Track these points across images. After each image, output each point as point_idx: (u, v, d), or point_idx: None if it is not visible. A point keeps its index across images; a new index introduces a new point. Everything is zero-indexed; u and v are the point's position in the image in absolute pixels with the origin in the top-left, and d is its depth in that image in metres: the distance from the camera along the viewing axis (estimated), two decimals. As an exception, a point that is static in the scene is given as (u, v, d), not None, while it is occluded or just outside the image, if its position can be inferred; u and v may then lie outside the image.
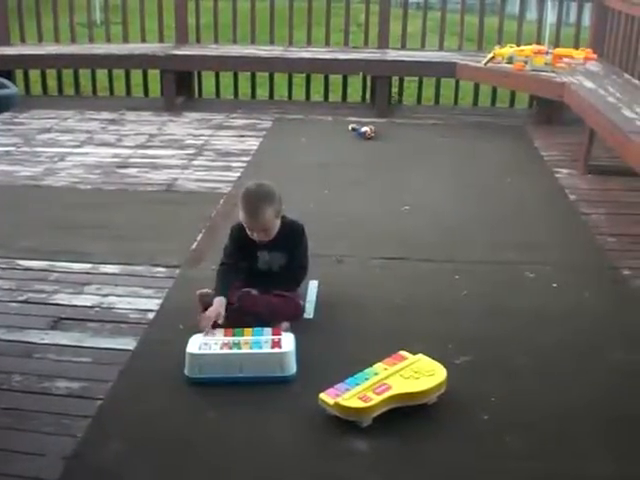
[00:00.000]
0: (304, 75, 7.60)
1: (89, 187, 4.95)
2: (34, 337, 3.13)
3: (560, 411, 2.66)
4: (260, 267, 3.24)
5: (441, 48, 7.45)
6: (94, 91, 7.82)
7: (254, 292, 3.13)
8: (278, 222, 3.17)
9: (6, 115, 6.26)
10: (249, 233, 3.17)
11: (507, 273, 3.72)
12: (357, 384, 2.61)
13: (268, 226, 3.14)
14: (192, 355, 2.80)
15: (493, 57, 6.53)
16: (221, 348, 2.83)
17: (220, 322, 3.01)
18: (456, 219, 4.40)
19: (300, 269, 3.29)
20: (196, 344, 2.85)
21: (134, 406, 2.69)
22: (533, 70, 6.25)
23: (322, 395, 2.57)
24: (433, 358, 2.77)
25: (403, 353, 2.80)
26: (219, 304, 3.05)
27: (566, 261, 3.88)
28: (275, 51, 7.36)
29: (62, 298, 3.46)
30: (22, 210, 4.54)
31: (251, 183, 3.25)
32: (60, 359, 2.99)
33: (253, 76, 7.62)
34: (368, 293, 3.50)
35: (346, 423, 2.52)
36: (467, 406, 2.66)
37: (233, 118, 6.78)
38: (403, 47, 7.53)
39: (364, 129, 6.10)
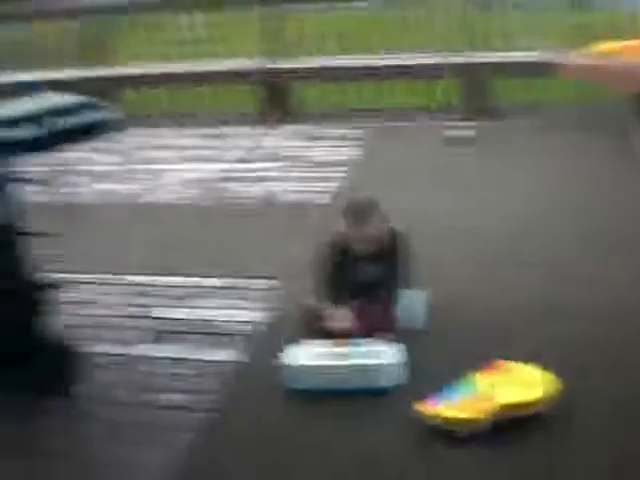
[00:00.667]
0: (395, 82, 7.56)
1: (188, 202, 5.06)
2: (138, 350, 3.21)
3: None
4: (361, 279, 3.23)
5: (537, 48, 7.27)
6: (192, 107, 7.98)
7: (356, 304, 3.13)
8: (380, 233, 3.16)
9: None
10: (352, 244, 3.16)
11: (620, 280, 3.58)
12: (458, 394, 2.57)
13: (371, 237, 3.13)
14: (292, 367, 2.81)
15: (592, 54, 6.33)
16: (322, 359, 2.83)
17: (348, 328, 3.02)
18: (557, 221, 4.29)
19: (403, 279, 3.25)
20: (298, 355, 2.86)
21: (237, 418, 2.73)
22: (633, 66, 6.03)
23: (423, 406, 2.54)
24: (541, 365, 2.69)
25: (508, 362, 2.73)
26: (344, 313, 3.06)
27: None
28: (369, 59, 7.34)
29: (165, 312, 3.55)
30: (125, 227, 4.68)
31: (355, 195, 3.27)
32: (164, 372, 3.06)
33: (347, 85, 7.63)
34: (473, 300, 3.44)
35: (446, 434, 2.48)
36: (575, 416, 2.56)
37: (328, 128, 6.80)
38: (501, 48, 7.37)
39: (460, 134, 6.03)
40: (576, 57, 6.39)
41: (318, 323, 3.08)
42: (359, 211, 3.14)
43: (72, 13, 8.21)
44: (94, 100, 3.23)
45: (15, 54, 8.24)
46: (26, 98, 3.46)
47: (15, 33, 8.26)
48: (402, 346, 2.90)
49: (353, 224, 3.12)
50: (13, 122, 2.86)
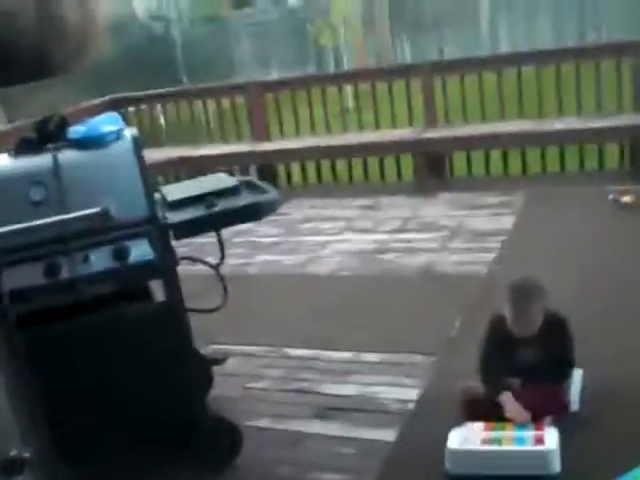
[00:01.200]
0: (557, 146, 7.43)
1: (349, 274, 5.15)
2: (300, 426, 3.28)
3: None
4: (520, 362, 3.15)
5: None
6: (350, 178, 8.16)
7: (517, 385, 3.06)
8: (542, 318, 3.09)
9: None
10: (510, 327, 3.11)
11: None
12: (631, 486, 2.45)
13: (534, 322, 3.07)
14: (453, 451, 2.79)
15: None
16: (482, 444, 2.79)
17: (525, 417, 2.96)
18: None
19: (566, 364, 3.16)
20: (457, 438, 2.83)
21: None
22: None
23: (592, 498, 2.45)
24: None
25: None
26: (513, 401, 3.00)
27: None
28: (526, 125, 7.27)
29: (327, 387, 3.61)
30: (288, 299, 4.81)
31: (520, 277, 3.20)
32: (325, 450, 3.10)
33: (505, 152, 7.57)
34: (635, 378, 3.28)
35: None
36: None
37: (486, 196, 6.75)
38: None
39: (625, 198, 5.82)
40: None
41: (480, 407, 3.02)
42: (521, 297, 3.07)
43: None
44: (255, 181, 3.39)
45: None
46: (194, 180, 3.68)
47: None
48: (562, 431, 2.81)
49: (515, 308, 3.06)
50: (180, 204, 3.05)
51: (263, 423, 3.35)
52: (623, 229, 5.36)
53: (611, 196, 5.95)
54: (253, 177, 7.41)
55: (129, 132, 2.93)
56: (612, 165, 7.40)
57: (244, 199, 3.13)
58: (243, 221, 3.20)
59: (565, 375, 3.16)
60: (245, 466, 3.00)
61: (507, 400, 2.99)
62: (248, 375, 3.80)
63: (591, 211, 5.86)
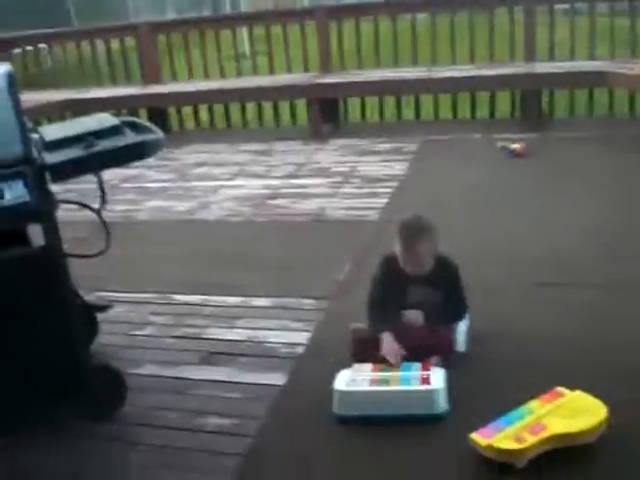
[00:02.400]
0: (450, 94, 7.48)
1: (240, 219, 5.06)
2: (187, 372, 3.20)
3: None
4: (410, 302, 3.16)
5: (591, 56, 7.15)
6: (244, 123, 8.03)
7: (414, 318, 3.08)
8: (431, 256, 3.09)
9: (161, 151, 6.51)
10: (402, 265, 3.11)
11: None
12: (511, 423, 2.49)
13: (424, 260, 3.07)
14: (340, 392, 2.77)
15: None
16: (370, 384, 2.78)
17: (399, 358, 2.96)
18: (616, 240, 4.16)
19: (460, 307, 3.18)
20: (344, 380, 2.81)
21: (283, 444, 2.69)
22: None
23: (474, 435, 2.47)
24: (593, 394, 2.60)
25: (560, 389, 2.65)
26: (391, 341, 3.00)
27: None
28: (419, 72, 7.29)
29: (215, 332, 3.53)
30: (177, 244, 4.69)
31: (409, 215, 3.18)
32: (212, 395, 3.04)
33: (398, 98, 7.58)
34: (523, 324, 3.34)
35: (500, 465, 2.40)
36: (631, 447, 2.47)
37: (379, 143, 6.76)
38: (551, 58, 7.29)
39: (514, 146, 5.93)
40: (632, 67, 6.27)
41: (368, 348, 3.02)
42: (410, 234, 3.06)
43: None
44: (138, 121, 3.24)
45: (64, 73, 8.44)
46: (74, 120, 3.50)
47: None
48: (449, 371, 2.84)
49: (404, 246, 3.06)
50: (58, 144, 2.89)
51: (149, 370, 3.24)
52: (511, 176, 5.45)
53: (501, 144, 6.04)
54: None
55: (2, 68, 2.73)
56: (503, 114, 7.52)
57: (126, 139, 2.99)
58: (125, 162, 3.05)
59: (460, 316, 3.18)
60: (131, 414, 2.90)
61: (384, 339, 2.99)
62: (134, 322, 3.69)
63: (482, 158, 5.95)
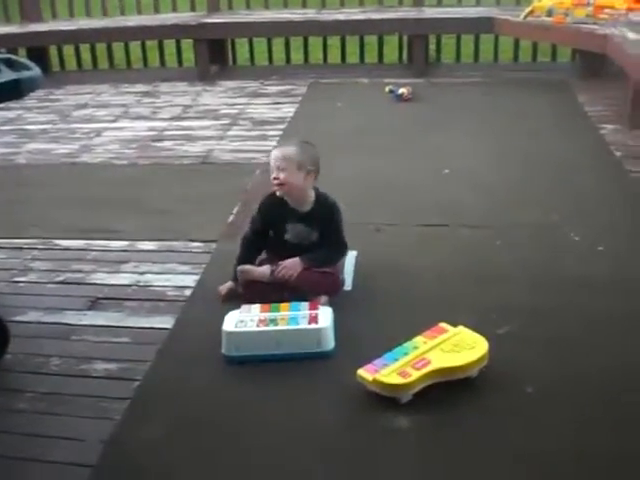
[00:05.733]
0: (339, 37, 7.46)
1: (125, 162, 4.94)
2: (72, 318, 3.13)
3: (609, 381, 2.57)
4: (290, 240, 3.17)
5: (478, 3, 7.25)
6: (128, 63, 7.78)
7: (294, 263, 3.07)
8: (306, 184, 3.08)
9: (42, 92, 6.28)
10: (271, 179, 3.08)
11: (551, 237, 3.61)
12: (396, 359, 2.55)
13: (285, 166, 3.01)
14: (228, 333, 2.76)
15: (532, 10, 6.32)
16: (257, 325, 2.79)
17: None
18: (498, 182, 4.29)
19: (337, 246, 3.19)
20: (232, 321, 2.81)
21: (172, 387, 2.67)
22: (574, 23, 6.04)
23: (360, 371, 2.52)
24: (475, 329, 2.69)
25: (443, 325, 2.73)
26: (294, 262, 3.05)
27: (612, 222, 3.75)
28: (308, 14, 7.24)
29: (99, 277, 3.45)
30: (59, 188, 4.54)
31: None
32: (98, 340, 2.98)
33: (287, 41, 7.50)
34: (408, 263, 3.42)
35: (385, 399, 2.47)
36: (510, 379, 2.58)
37: (268, 85, 6.69)
38: (439, 4, 7.35)
39: (401, 90, 5.97)
40: (517, 14, 6.39)
41: (257, 288, 3.04)
42: (284, 142, 3.12)
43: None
44: (14, 57, 3.09)
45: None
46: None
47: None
48: (336, 310, 2.88)
49: (274, 149, 3.11)
50: None
51: (32, 317, 3.14)
52: (398, 120, 5.51)
53: (388, 88, 6.08)
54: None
55: None
56: (391, 59, 7.56)
57: (3, 76, 2.84)
58: (3, 100, 2.90)
59: (339, 256, 3.21)
60: (15, 362, 2.81)
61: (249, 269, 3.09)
62: (15, 269, 3.55)
63: (370, 102, 5.98)
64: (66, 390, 2.67)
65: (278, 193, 3.09)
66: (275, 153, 3.09)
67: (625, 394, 2.50)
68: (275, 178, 3.04)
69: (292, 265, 3.06)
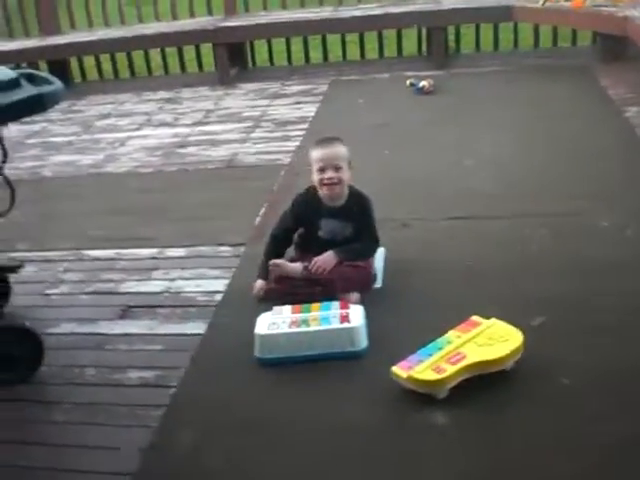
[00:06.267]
0: (357, 34, 7.44)
1: (150, 170, 4.96)
2: (105, 328, 3.15)
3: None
4: (323, 236, 3.18)
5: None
6: (149, 71, 7.82)
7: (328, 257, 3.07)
8: (348, 180, 3.14)
9: (65, 104, 6.33)
10: (318, 187, 3.11)
11: (580, 224, 3.57)
12: (430, 355, 2.53)
13: (342, 165, 3.09)
14: (261, 336, 2.77)
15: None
16: (289, 327, 2.78)
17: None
18: (523, 171, 4.25)
19: (372, 241, 3.20)
20: (264, 324, 2.81)
21: (207, 392, 2.68)
22: (593, 6, 5.98)
23: (395, 368, 2.51)
24: (508, 321, 2.66)
25: (476, 318, 2.71)
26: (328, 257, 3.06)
27: (638, 207, 3.70)
28: (325, 12, 7.22)
29: (130, 286, 3.47)
30: (86, 199, 4.57)
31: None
32: (131, 349, 3.00)
33: (305, 40, 7.50)
34: (437, 257, 3.40)
35: (422, 396, 2.45)
36: (546, 370, 2.55)
37: (289, 85, 6.69)
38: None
39: (422, 83, 5.94)
40: (530, 1, 6.34)
41: (289, 282, 3.05)
42: (329, 138, 3.18)
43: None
44: (36, 72, 3.12)
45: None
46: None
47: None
48: (367, 308, 2.88)
49: (323, 147, 3.14)
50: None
51: (66, 329, 3.17)
52: (420, 113, 5.48)
53: (409, 81, 6.05)
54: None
55: None
56: (410, 52, 7.52)
57: (24, 92, 2.86)
58: (23, 115, 2.92)
59: (372, 251, 3.21)
60: (51, 374, 2.84)
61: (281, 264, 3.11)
62: (47, 281, 3.58)
63: (391, 96, 5.95)
64: (102, 400, 2.69)
65: (325, 191, 3.11)
66: (325, 152, 3.11)
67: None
68: (330, 178, 3.07)
69: (326, 259, 3.06)
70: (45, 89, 2.87)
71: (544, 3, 6.26)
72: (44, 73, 3.14)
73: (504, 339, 2.56)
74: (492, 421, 2.36)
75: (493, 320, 2.68)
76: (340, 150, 3.14)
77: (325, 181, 3.10)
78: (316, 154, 3.13)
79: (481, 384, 2.48)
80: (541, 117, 5.11)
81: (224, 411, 2.57)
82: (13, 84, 2.86)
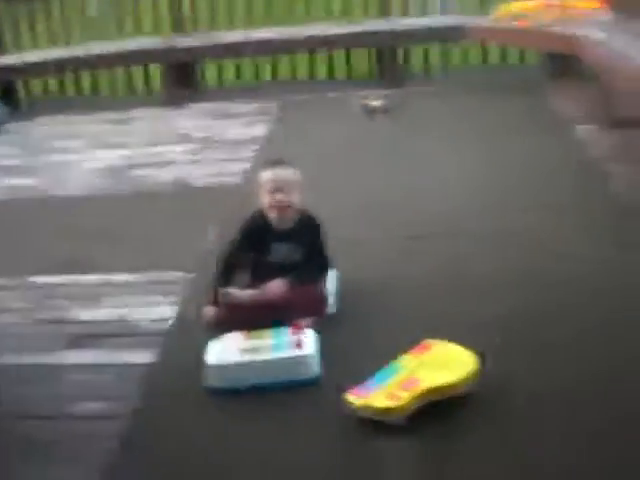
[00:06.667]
0: (307, 53, 7.42)
1: (99, 193, 4.86)
2: (53, 358, 3.05)
3: (602, 387, 2.53)
4: (273, 260, 3.13)
5: (444, 12, 7.25)
6: (96, 91, 7.70)
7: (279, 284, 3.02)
8: (299, 203, 3.11)
9: (11, 125, 6.21)
10: (267, 210, 3.07)
11: (532, 242, 3.57)
12: (384, 380, 2.50)
13: (292, 187, 3.05)
14: (210, 366, 2.70)
15: (501, 15, 6.31)
16: (241, 355, 2.73)
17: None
18: (476, 189, 4.25)
19: (322, 263, 3.17)
20: (214, 353, 2.75)
21: (157, 423, 2.61)
22: (542, 25, 6.04)
23: (349, 396, 2.46)
24: (464, 342, 2.63)
25: (430, 341, 2.68)
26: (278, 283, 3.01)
27: (592, 224, 3.72)
28: (274, 32, 7.19)
29: (78, 314, 3.38)
30: (30, 224, 4.45)
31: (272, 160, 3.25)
32: (78, 379, 2.91)
33: (255, 59, 7.45)
34: (392, 278, 3.37)
35: (377, 423, 2.41)
36: (503, 392, 2.53)
37: (239, 105, 6.64)
38: (405, 14, 7.35)
39: (374, 103, 5.94)
40: (486, 20, 6.40)
41: (240, 312, 2.97)
42: (280, 160, 3.17)
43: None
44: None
45: None
46: None
47: None
48: (320, 333, 2.83)
49: (274, 168, 3.11)
50: None
51: (10, 359, 3.07)
52: (372, 134, 5.47)
53: (361, 102, 6.04)
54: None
55: None
56: (361, 72, 7.53)
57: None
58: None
59: (323, 273, 3.17)
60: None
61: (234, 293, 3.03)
62: (-12, 309, 3.49)
63: (342, 117, 5.93)
64: (49, 433, 2.60)
65: (273, 214, 3.07)
66: (275, 174, 3.08)
67: (616, 400, 2.46)
68: (280, 200, 3.02)
69: (276, 286, 3.00)
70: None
71: (495, 22, 6.31)
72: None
73: (459, 362, 2.54)
74: (449, 448, 2.33)
75: (446, 343, 2.65)
76: (290, 172, 3.11)
77: (275, 203, 3.06)
78: (266, 176, 3.09)
79: (437, 409, 2.44)
80: (492, 134, 5.14)
81: (175, 444, 2.49)
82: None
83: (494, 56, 7.25)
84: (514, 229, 3.71)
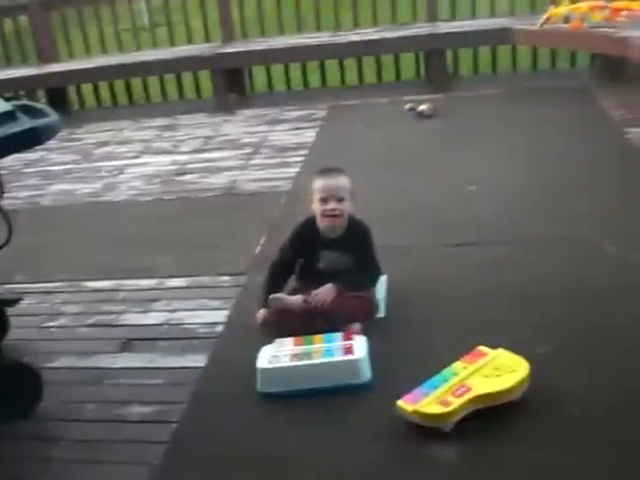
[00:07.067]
0: (355, 58, 7.44)
1: (149, 198, 4.93)
2: (105, 362, 3.10)
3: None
4: (322, 267, 3.14)
5: (493, 14, 7.19)
6: (147, 98, 7.82)
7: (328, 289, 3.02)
8: (350, 212, 3.10)
9: (63, 132, 6.28)
10: (319, 220, 3.07)
11: (584, 249, 3.52)
12: (436, 387, 2.48)
13: (344, 196, 3.06)
14: (262, 370, 2.72)
15: (548, 18, 6.25)
16: (291, 360, 2.74)
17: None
18: (526, 195, 4.20)
19: (373, 270, 3.17)
20: (266, 357, 2.77)
21: (208, 427, 2.63)
22: (591, 27, 5.96)
23: (400, 402, 2.46)
24: (514, 350, 2.61)
25: (482, 349, 2.66)
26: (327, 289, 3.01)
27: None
28: (323, 37, 7.21)
29: (131, 318, 3.43)
30: (85, 229, 4.54)
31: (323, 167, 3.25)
32: (132, 383, 2.94)
33: (304, 65, 7.49)
34: (440, 285, 3.35)
35: (428, 430, 2.40)
36: (554, 401, 2.50)
37: (287, 111, 6.68)
38: (453, 17, 7.31)
39: (421, 108, 5.93)
40: (535, 22, 6.33)
41: (289, 316, 2.98)
42: (331, 169, 3.15)
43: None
44: (32, 104, 3.08)
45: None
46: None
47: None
48: (371, 338, 2.83)
49: (326, 178, 3.10)
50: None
51: (64, 363, 3.13)
52: (420, 138, 5.45)
53: (408, 106, 6.03)
54: (38, 102, 6.90)
55: None
56: (408, 76, 7.51)
57: (20, 125, 2.83)
58: (19, 149, 2.89)
59: (373, 281, 3.17)
60: (49, 410, 2.78)
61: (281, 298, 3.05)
62: (45, 314, 3.54)
63: (390, 121, 5.93)
64: (102, 436, 2.64)
65: (325, 223, 3.08)
66: (328, 183, 3.08)
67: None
68: (332, 209, 3.04)
69: (326, 291, 3.01)
70: (41, 122, 2.84)
71: (542, 25, 6.25)
72: (40, 104, 3.11)
73: (511, 369, 2.51)
74: (500, 455, 2.31)
75: (499, 350, 2.63)
76: (343, 181, 3.10)
77: (327, 212, 3.06)
78: (318, 185, 3.10)
79: (489, 416, 2.42)
80: (542, 140, 5.08)
81: (226, 447, 2.52)
82: (8, 117, 2.83)
83: (544, 59, 7.17)
84: (563, 236, 3.66)
